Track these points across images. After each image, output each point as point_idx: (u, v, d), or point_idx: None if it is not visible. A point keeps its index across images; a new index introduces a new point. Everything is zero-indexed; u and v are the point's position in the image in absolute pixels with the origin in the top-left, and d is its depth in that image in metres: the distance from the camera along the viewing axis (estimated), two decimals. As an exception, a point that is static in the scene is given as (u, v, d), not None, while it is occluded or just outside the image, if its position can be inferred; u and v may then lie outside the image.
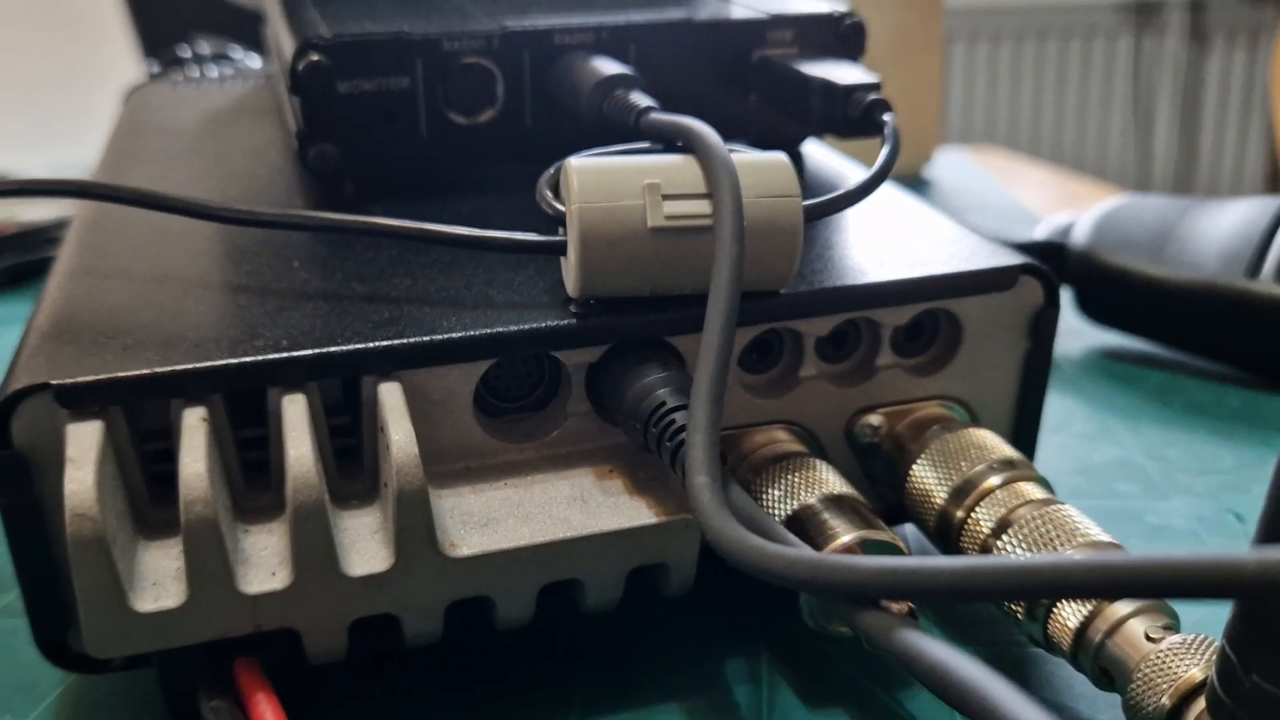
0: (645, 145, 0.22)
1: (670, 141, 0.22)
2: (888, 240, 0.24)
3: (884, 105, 0.24)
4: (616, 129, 0.24)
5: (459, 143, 0.27)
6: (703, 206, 0.19)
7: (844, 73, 0.26)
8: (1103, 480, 0.29)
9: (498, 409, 0.21)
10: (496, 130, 0.27)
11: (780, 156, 0.20)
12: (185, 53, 0.42)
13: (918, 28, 0.69)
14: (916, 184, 0.70)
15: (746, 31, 0.28)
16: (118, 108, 0.38)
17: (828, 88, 0.25)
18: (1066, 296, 0.42)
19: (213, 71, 0.40)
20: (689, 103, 0.27)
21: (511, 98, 0.27)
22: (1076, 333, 0.40)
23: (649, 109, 0.23)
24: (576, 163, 0.20)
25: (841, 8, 0.29)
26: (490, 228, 0.24)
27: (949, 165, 0.76)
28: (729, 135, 0.29)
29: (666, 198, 0.19)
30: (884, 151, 0.23)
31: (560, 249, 0.20)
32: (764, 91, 0.28)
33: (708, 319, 0.18)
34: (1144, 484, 0.28)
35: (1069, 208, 0.60)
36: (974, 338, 0.23)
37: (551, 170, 0.21)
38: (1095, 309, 0.38)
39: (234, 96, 0.37)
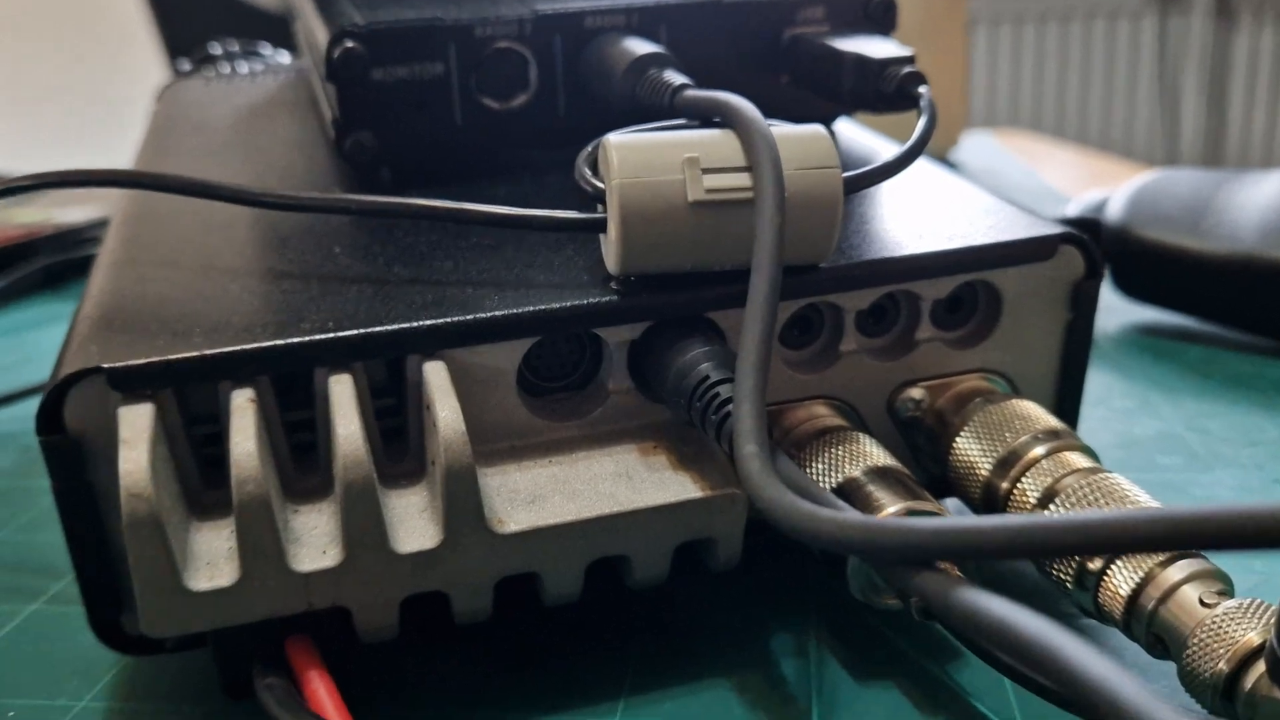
0: (682, 122, 0.22)
1: (706, 118, 0.22)
2: (925, 213, 0.24)
3: (918, 78, 0.24)
4: (651, 109, 0.24)
5: (493, 128, 0.27)
6: (743, 179, 0.19)
7: (877, 47, 0.26)
8: (1145, 453, 0.28)
9: (541, 388, 0.21)
10: (530, 114, 0.27)
11: (818, 128, 0.20)
12: (216, 49, 0.42)
13: (943, 11, 0.69)
14: (948, 163, 0.70)
15: (777, 10, 0.28)
16: (150, 105, 0.38)
17: (861, 62, 0.25)
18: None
19: (243, 67, 0.40)
20: (721, 83, 0.27)
21: (544, 81, 0.27)
22: (1113, 309, 0.39)
23: (683, 86, 0.23)
24: (615, 139, 0.20)
25: (872, -16, 0.29)
26: (528, 205, 0.24)
27: (975, 148, 0.75)
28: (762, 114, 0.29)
29: (706, 171, 0.19)
30: (921, 123, 0.23)
31: (600, 226, 0.20)
32: (796, 70, 0.28)
33: (751, 291, 0.18)
34: (1187, 456, 0.28)
35: (1098, 187, 0.60)
36: (1014, 309, 0.23)
37: (590, 148, 0.21)
38: (1132, 285, 0.38)
39: (267, 91, 0.38)
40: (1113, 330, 0.38)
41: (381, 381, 0.20)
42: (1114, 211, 0.38)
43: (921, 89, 0.24)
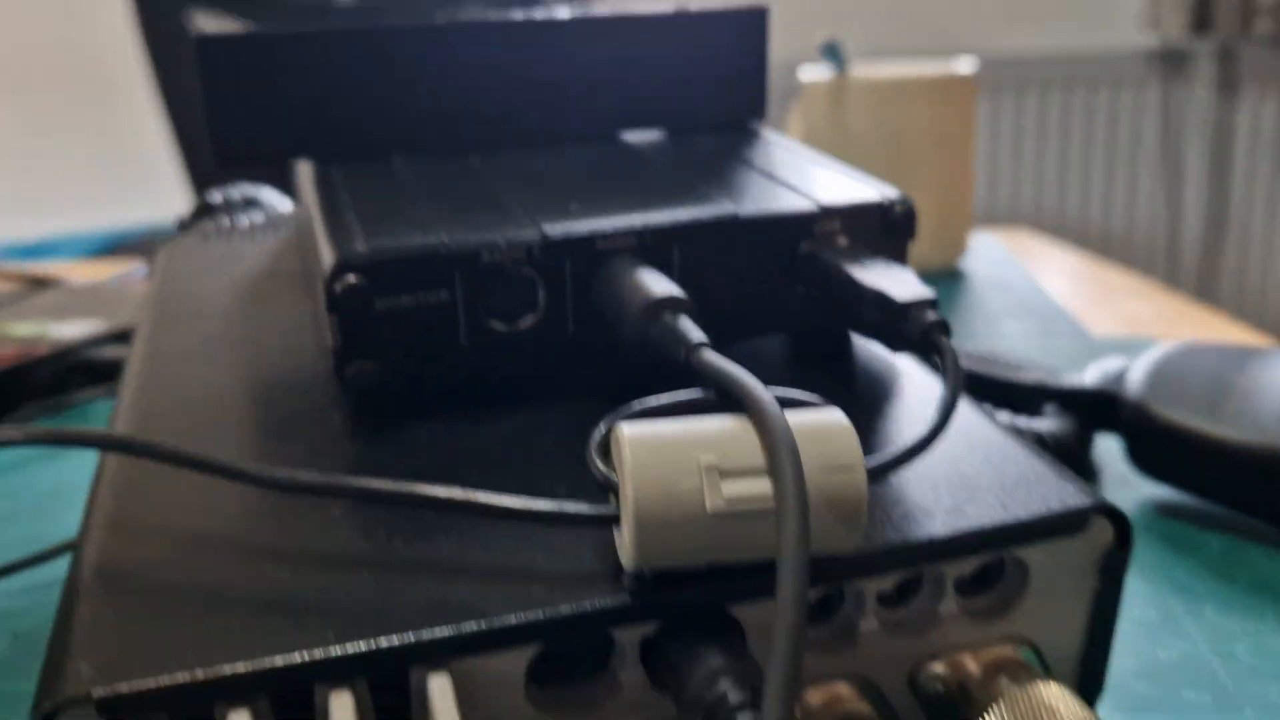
0: (698, 396, 0.21)
1: (721, 391, 0.21)
2: (948, 473, 0.23)
3: (943, 327, 0.23)
4: (664, 358, 0.23)
5: (500, 350, 0.26)
6: (763, 486, 0.18)
7: (899, 283, 0.25)
8: (1171, 686, 0.27)
9: (548, 679, 0.20)
10: (538, 336, 0.26)
11: (840, 420, 0.19)
12: (216, 198, 0.42)
13: (955, 121, 0.69)
14: (952, 277, 0.69)
15: (794, 225, 0.27)
16: (154, 265, 0.38)
17: (882, 300, 0.24)
18: (1117, 445, 0.41)
19: (243, 220, 0.39)
20: (733, 296, 0.27)
21: (553, 304, 0.26)
22: (1128, 483, 0.39)
23: (700, 345, 0.22)
24: (630, 433, 0.19)
25: (891, 193, 0.28)
26: (535, 451, 0.23)
27: (982, 256, 0.75)
28: (774, 327, 0.28)
29: (725, 475, 0.18)
30: (945, 390, 0.22)
31: (612, 520, 0.19)
32: (812, 284, 0.27)
33: (776, 630, 0.17)
34: (1214, 691, 0.27)
35: (1102, 301, 0.59)
36: (1041, 580, 0.22)
37: (601, 430, 0.20)
38: (1149, 463, 0.37)
39: (265, 256, 0.37)
40: (1129, 509, 0.37)
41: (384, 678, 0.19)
42: (1134, 385, 0.38)
43: (946, 341, 0.23)
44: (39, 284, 0.73)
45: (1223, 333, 0.58)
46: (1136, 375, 0.38)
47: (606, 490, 0.19)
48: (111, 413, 0.27)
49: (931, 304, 0.24)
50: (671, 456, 0.18)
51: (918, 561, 0.21)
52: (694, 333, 0.22)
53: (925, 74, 0.68)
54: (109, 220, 1.98)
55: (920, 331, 0.23)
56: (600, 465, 0.19)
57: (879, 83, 0.67)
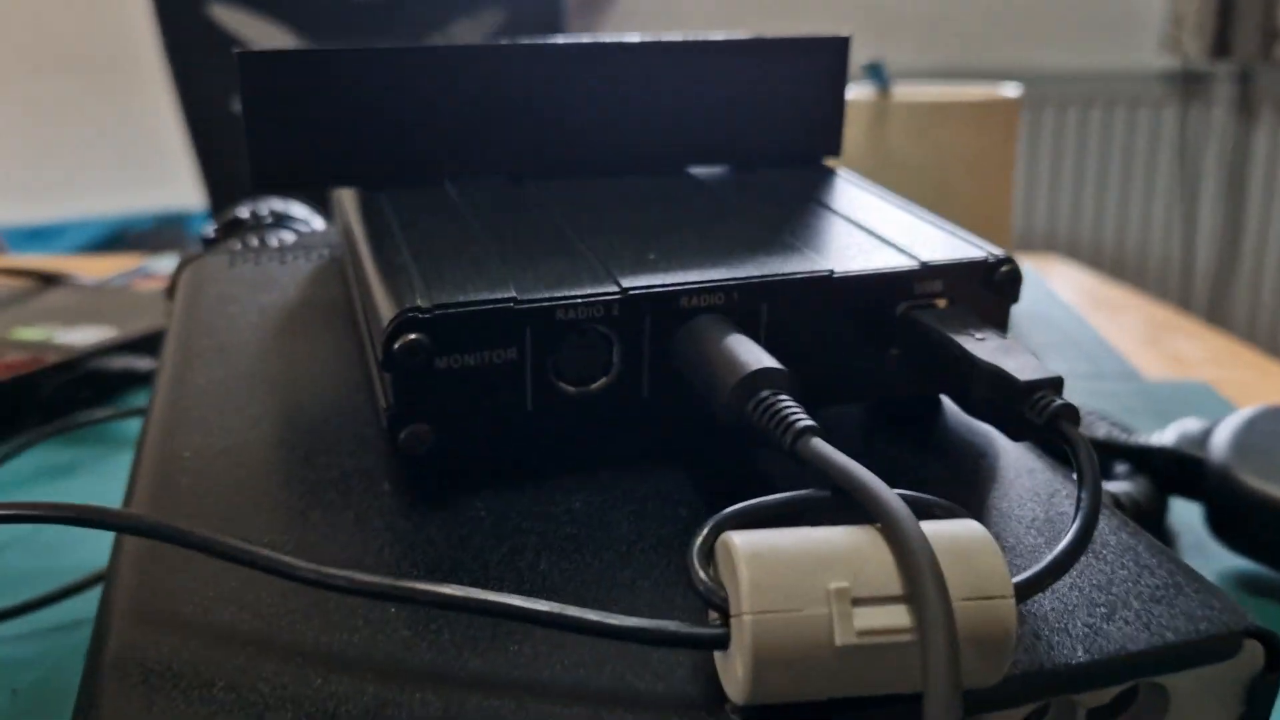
0: (813, 494, 0.18)
1: (837, 488, 0.18)
2: (1080, 584, 0.20)
3: (1072, 414, 0.21)
4: (761, 436, 0.20)
5: (568, 415, 0.23)
6: (901, 617, 0.16)
7: (1018, 360, 0.22)
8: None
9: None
10: (610, 400, 0.24)
11: (983, 538, 0.17)
12: (244, 213, 0.39)
13: (997, 145, 0.66)
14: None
15: (892, 284, 0.25)
16: (178, 280, 0.35)
17: (1001, 381, 0.22)
18: (1192, 511, 0.39)
19: (273, 239, 0.37)
20: (822, 357, 0.24)
21: (629, 365, 0.23)
22: (1206, 553, 0.36)
23: (807, 432, 0.19)
24: (743, 546, 0.16)
25: (996, 251, 0.26)
26: (612, 534, 0.21)
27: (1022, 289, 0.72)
28: (861, 395, 0.26)
29: (857, 603, 0.16)
30: (1085, 491, 0.19)
31: (719, 643, 0.17)
32: (908, 347, 0.25)
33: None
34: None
35: (1149, 339, 0.57)
36: (1180, 707, 0.20)
37: (704, 532, 0.18)
38: (1233, 535, 0.35)
39: (299, 282, 0.34)
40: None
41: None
42: (1219, 449, 0.35)
43: (1077, 432, 0.21)
44: (47, 280, 0.70)
45: (1277, 376, 0.55)
46: (1222, 439, 0.36)
47: (711, 606, 0.17)
48: (131, 470, 0.24)
49: (1057, 386, 0.21)
50: (795, 578, 0.16)
51: (1054, 693, 0.18)
52: (799, 416, 0.20)
53: (969, 96, 0.65)
54: (119, 206, 1.95)
55: (1046, 419, 0.21)
56: (704, 576, 0.17)
57: (922, 104, 0.65)
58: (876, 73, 0.66)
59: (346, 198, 0.30)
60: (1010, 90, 0.67)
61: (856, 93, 0.67)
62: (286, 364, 0.29)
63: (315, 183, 0.29)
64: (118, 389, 0.54)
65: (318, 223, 0.41)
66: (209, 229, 0.39)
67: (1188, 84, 1.91)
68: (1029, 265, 0.79)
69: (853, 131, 0.68)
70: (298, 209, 0.41)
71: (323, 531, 0.21)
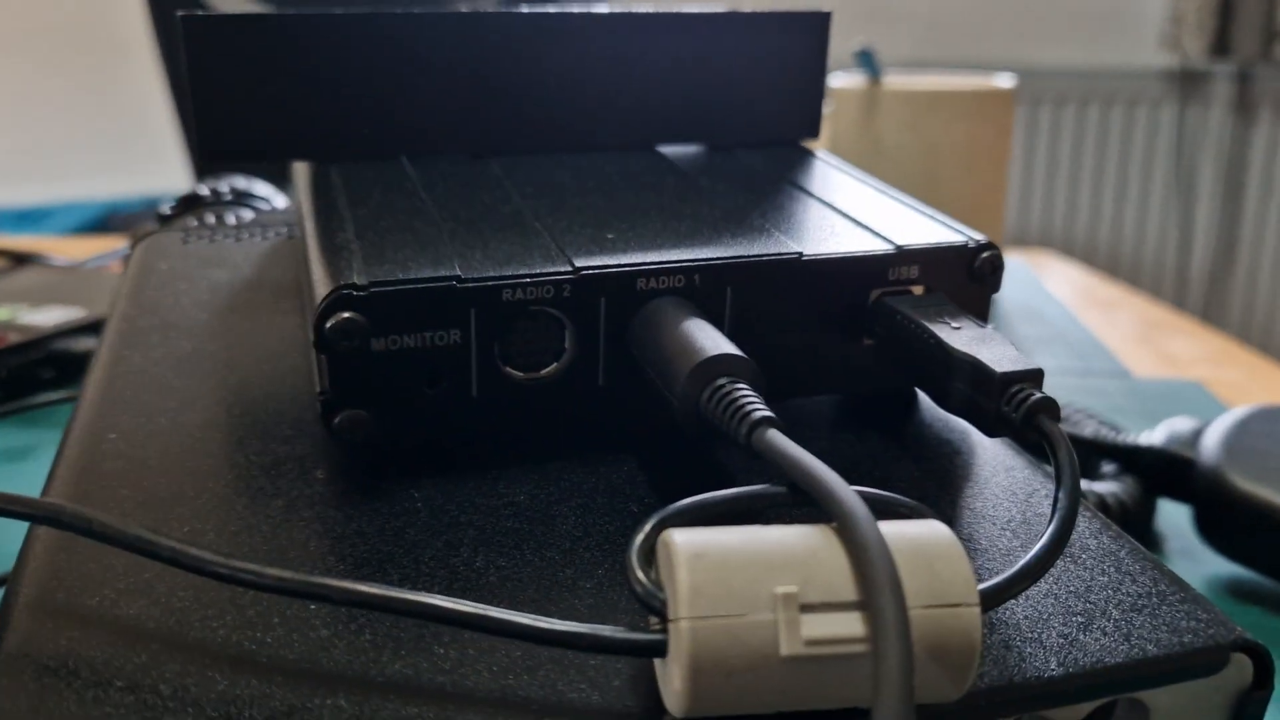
0: (767, 490, 0.17)
1: (794, 485, 0.17)
2: (1057, 591, 0.19)
3: (1051, 407, 0.19)
4: (717, 428, 0.19)
5: (516, 401, 0.22)
6: (854, 626, 0.15)
7: (993, 350, 0.21)
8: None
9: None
10: (562, 388, 0.22)
11: (947, 540, 0.15)
12: (203, 190, 0.38)
13: (990, 137, 0.65)
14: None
15: (865, 269, 0.23)
16: (128, 263, 0.34)
17: (977, 372, 0.21)
18: (1180, 513, 0.37)
19: (230, 218, 0.35)
20: (787, 350, 0.23)
21: (582, 350, 0.22)
22: (1194, 558, 0.35)
23: (764, 423, 0.18)
24: (683, 545, 0.15)
25: (976, 236, 0.24)
26: (555, 531, 0.19)
27: (1010, 280, 0.71)
28: (831, 386, 0.24)
29: (806, 609, 0.15)
30: (1063, 490, 0.18)
31: (657, 650, 0.15)
32: (883, 337, 0.24)
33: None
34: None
35: (1141, 337, 0.55)
36: (1163, 724, 0.18)
37: (645, 531, 0.16)
38: (1222, 539, 0.33)
39: (252, 261, 0.33)
40: (1198, 586, 0.33)
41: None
42: (1209, 451, 0.34)
43: (1056, 428, 0.19)
44: (19, 260, 0.69)
45: (1273, 377, 0.54)
46: (1213, 439, 0.34)
47: (649, 610, 0.15)
48: (56, 453, 0.23)
49: (1036, 379, 0.20)
50: (739, 582, 0.15)
51: (1024, 709, 0.17)
52: (756, 406, 0.18)
53: (962, 86, 0.64)
54: (108, 189, 1.93)
55: (1024, 413, 0.20)
56: (642, 578, 0.16)
57: (915, 93, 0.64)
58: (868, 61, 0.64)
59: (299, 172, 0.29)
60: (1005, 81, 0.65)
61: (847, 81, 0.66)
62: (230, 345, 0.27)
63: (264, 157, 0.28)
64: (83, 370, 0.53)
65: (280, 201, 0.39)
66: (165, 206, 0.37)
67: (1186, 83, 1.89)
68: (1022, 260, 0.77)
69: (843, 121, 0.66)
70: (260, 186, 0.39)
71: (246, 521, 0.20)
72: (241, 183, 0.39)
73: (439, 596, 0.16)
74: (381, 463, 0.22)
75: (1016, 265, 0.75)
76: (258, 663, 0.16)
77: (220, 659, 0.16)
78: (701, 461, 0.23)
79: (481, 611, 0.15)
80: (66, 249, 0.81)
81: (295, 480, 0.21)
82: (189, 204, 0.37)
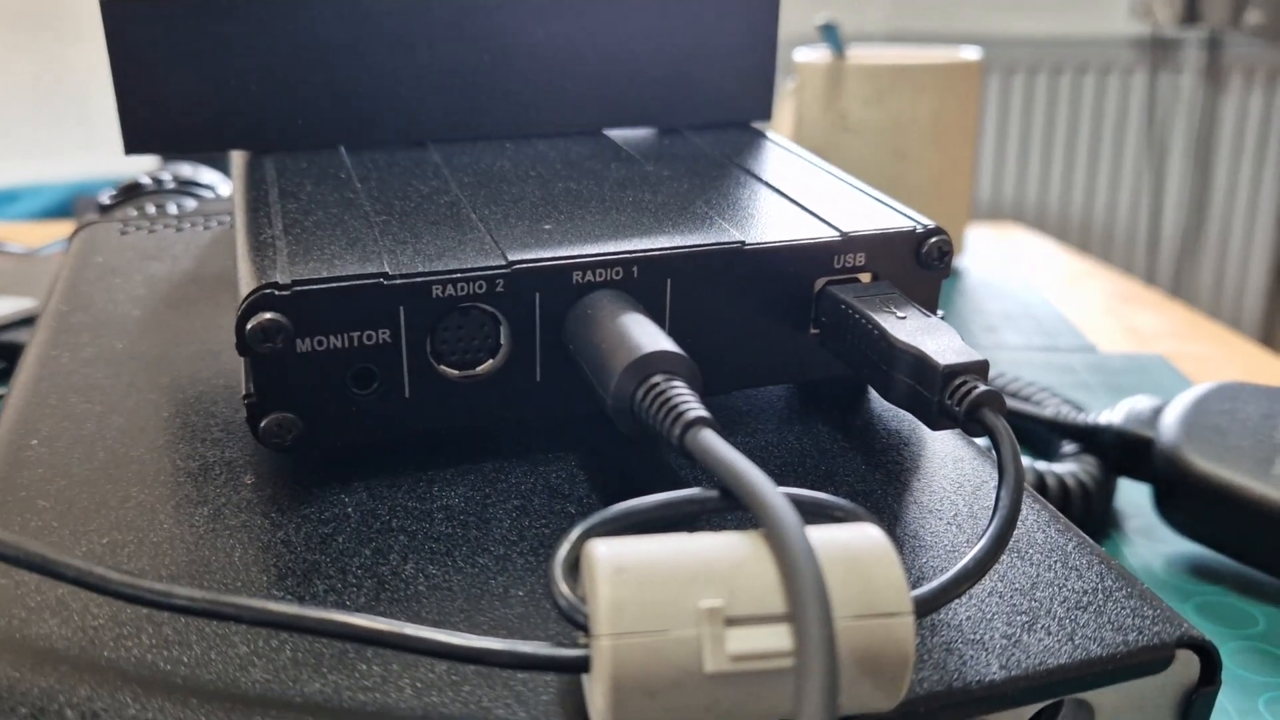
0: (698, 496, 0.16)
1: (722, 488, 0.16)
2: (999, 589, 0.18)
3: (995, 400, 0.19)
4: (651, 430, 0.18)
5: (452, 402, 0.21)
6: (780, 639, 0.14)
7: (939, 342, 0.20)
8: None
9: None
10: (498, 385, 0.22)
11: (879, 546, 0.15)
12: (144, 178, 0.37)
13: (956, 114, 0.64)
14: (949, 277, 0.65)
15: (810, 257, 0.23)
16: (66, 255, 0.33)
17: (920, 364, 0.20)
18: (1142, 493, 0.37)
19: (172, 207, 0.34)
20: (731, 341, 0.22)
21: (518, 347, 0.21)
22: (1155, 537, 0.35)
23: (698, 422, 0.17)
24: (605, 559, 0.14)
25: (925, 222, 0.24)
26: (489, 535, 0.19)
27: (978, 255, 0.71)
28: (777, 377, 0.24)
29: (732, 622, 0.14)
30: (1005, 487, 0.17)
31: (581, 666, 0.15)
32: (828, 327, 0.23)
33: None
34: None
35: (1108, 310, 0.55)
36: (1109, 723, 0.18)
37: (569, 541, 0.16)
38: (1182, 520, 0.33)
39: (191, 254, 0.32)
40: (1158, 569, 0.33)
41: None
42: (1169, 430, 0.33)
43: (1000, 422, 0.19)
44: (-30, 247, 0.67)
45: (1239, 350, 0.54)
46: (1172, 419, 0.34)
47: (573, 625, 0.15)
48: (-24, 458, 0.22)
49: (981, 371, 0.20)
50: (662, 595, 0.14)
51: (965, 715, 0.16)
52: (691, 406, 0.18)
53: (928, 60, 0.63)
54: (75, 172, 1.90)
55: (967, 406, 0.19)
56: (566, 592, 0.15)
57: (879, 67, 0.63)
58: (831, 35, 0.64)
59: (235, 161, 0.28)
60: (971, 54, 0.65)
61: (811, 56, 0.65)
62: (164, 342, 0.26)
63: (193, 147, 0.27)
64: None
65: (226, 189, 0.38)
66: (105, 194, 0.36)
67: (1157, 50, 1.89)
68: (989, 234, 0.77)
69: (807, 96, 0.65)
70: (206, 174, 0.38)
71: (170, 531, 0.19)
72: (187, 170, 0.38)
73: (354, 614, 0.15)
74: (312, 467, 0.21)
75: (985, 240, 0.75)
76: (172, 684, 0.16)
77: (133, 680, 0.16)
78: (645, 460, 0.22)
79: (396, 629, 0.15)
80: (24, 235, 0.80)
81: (223, 486, 0.21)
82: (130, 193, 0.36)
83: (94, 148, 1.92)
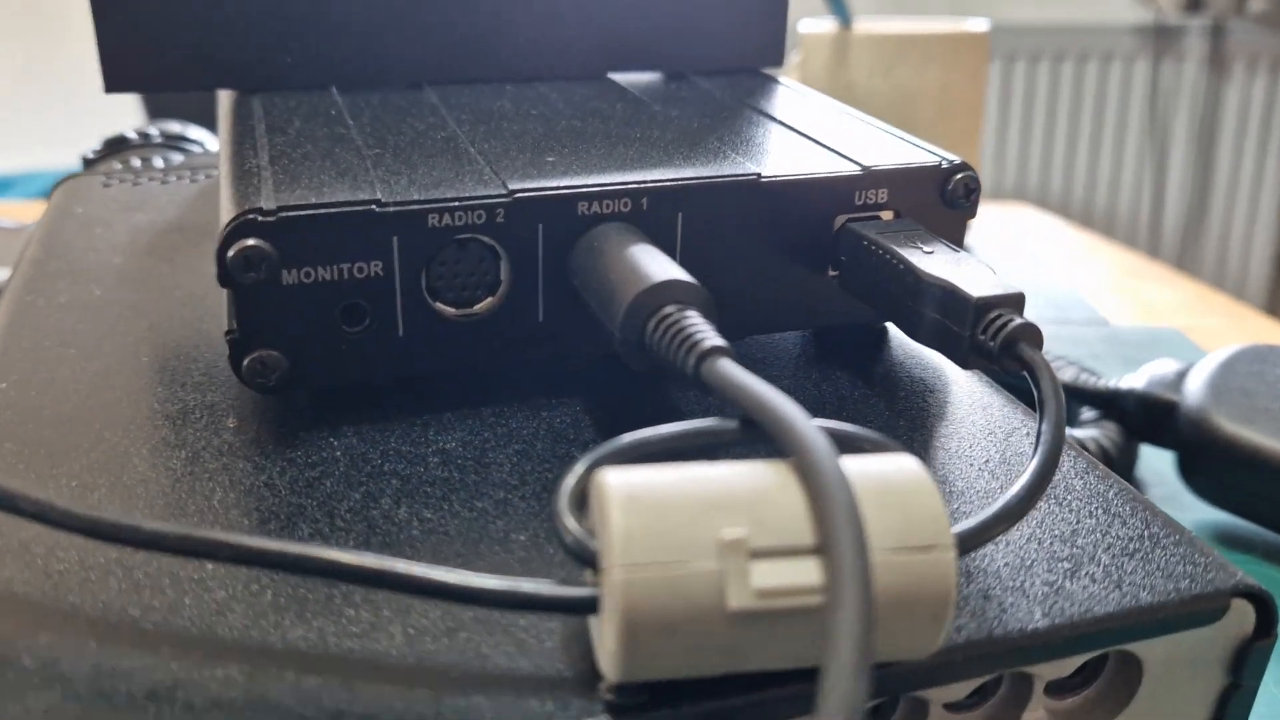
0: (716, 425, 0.15)
1: (747, 419, 0.15)
2: (1040, 535, 0.17)
3: (1033, 333, 0.18)
4: (666, 363, 0.17)
5: (448, 342, 0.20)
6: (809, 573, 0.13)
7: (970, 274, 0.19)
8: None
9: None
10: (498, 324, 0.20)
11: (918, 475, 0.14)
12: (130, 133, 0.35)
13: (964, 86, 0.63)
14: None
15: (830, 191, 0.21)
16: (47, 208, 0.31)
17: (951, 297, 0.19)
18: (1164, 460, 0.36)
19: (158, 161, 0.33)
20: (745, 281, 0.21)
21: (519, 283, 0.20)
22: (1179, 505, 0.33)
23: (714, 352, 0.16)
24: (617, 486, 0.13)
25: (950, 156, 0.22)
26: (488, 479, 0.17)
27: (984, 232, 0.69)
28: (795, 321, 0.22)
29: (757, 555, 0.13)
30: (1046, 424, 0.16)
31: (589, 606, 0.14)
32: (848, 267, 0.22)
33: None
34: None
35: (1118, 286, 0.54)
36: (1156, 679, 0.17)
37: (577, 472, 0.14)
38: (1208, 486, 0.32)
39: (176, 204, 0.30)
40: (1186, 539, 0.32)
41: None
42: (1194, 394, 0.32)
43: (1039, 356, 0.17)
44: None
45: (1255, 324, 0.53)
46: (1197, 381, 0.33)
47: (581, 562, 0.14)
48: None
49: (1017, 304, 0.18)
50: (680, 525, 0.13)
51: (1006, 665, 0.15)
52: (706, 334, 0.16)
53: (935, 30, 0.62)
54: (71, 158, 1.89)
55: (1002, 340, 0.18)
56: (572, 526, 0.14)
57: (886, 37, 0.61)
58: (838, 5, 0.62)
59: (222, 101, 0.27)
60: (978, 25, 0.63)
61: (817, 27, 0.64)
62: (144, 289, 0.25)
63: (177, 85, 0.26)
64: None
65: (215, 145, 0.37)
66: (90, 150, 0.35)
67: (1160, 38, 1.88)
68: (996, 212, 0.76)
69: (813, 66, 0.64)
70: (195, 130, 0.37)
71: (143, 474, 0.18)
72: (175, 126, 0.37)
73: (339, 550, 0.14)
74: (299, 409, 0.20)
75: (991, 216, 0.74)
76: (142, 630, 0.15)
77: (99, 626, 0.15)
78: (655, 402, 0.21)
79: (386, 566, 0.14)
80: (18, 214, 0.78)
81: (203, 430, 0.19)
82: (114, 146, 0.34)
83: (91, 134, 1.91)
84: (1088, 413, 0.36)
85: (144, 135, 0.35)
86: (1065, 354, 0.47)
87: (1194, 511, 0.33)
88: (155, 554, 0.15)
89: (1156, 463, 0.36)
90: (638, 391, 0.21)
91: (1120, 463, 0.33)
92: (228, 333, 0.19)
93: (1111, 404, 0.35)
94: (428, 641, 0.14)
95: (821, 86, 0.63)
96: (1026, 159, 1.91)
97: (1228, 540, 0.31)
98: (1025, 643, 0.15)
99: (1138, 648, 0.16)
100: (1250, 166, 1.86)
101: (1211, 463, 0.31)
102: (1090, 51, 1.88)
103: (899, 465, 0.14)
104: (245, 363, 0.19)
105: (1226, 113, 1.87)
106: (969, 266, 0.19)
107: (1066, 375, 0.37)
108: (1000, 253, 0.65)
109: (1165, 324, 0.52)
